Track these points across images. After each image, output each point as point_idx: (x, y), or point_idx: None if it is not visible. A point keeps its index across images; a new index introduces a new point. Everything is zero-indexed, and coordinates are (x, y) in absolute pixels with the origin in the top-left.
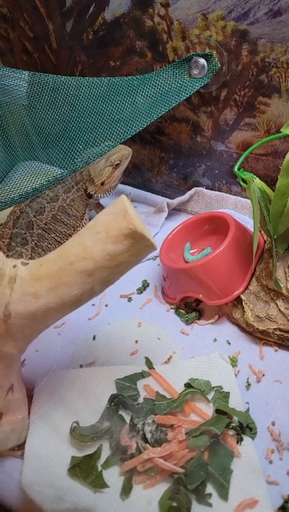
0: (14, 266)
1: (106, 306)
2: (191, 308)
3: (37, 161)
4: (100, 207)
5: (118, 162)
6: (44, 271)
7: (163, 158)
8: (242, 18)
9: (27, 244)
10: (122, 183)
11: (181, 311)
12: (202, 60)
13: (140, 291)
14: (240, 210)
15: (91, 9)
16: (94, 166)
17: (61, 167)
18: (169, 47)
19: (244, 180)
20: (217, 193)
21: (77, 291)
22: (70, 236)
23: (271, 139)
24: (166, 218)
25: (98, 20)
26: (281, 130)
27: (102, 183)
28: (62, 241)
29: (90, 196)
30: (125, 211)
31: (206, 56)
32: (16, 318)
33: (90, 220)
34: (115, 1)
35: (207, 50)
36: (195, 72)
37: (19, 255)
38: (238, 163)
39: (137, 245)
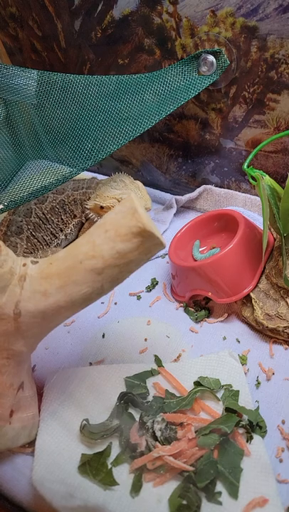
0: (24, 264)
1: (115, 304)
2: (200, 307)
3: (46, 160)
4: (91, 224)
5: None
6: (54, 269)
7: (172, 156)
8: (251, 14)
9: (22, 234)
10: None
11: (190, 309)
12: (211, 57)
13: (149, 289)
14: (249, 208)
15: (99, 7)
16: (110, 188)
17: (70, 165)
18: (177, 44)
19: (254, 178)
20: (226, 190)
21: (86, 289)
22: (62, 231)
23: (281, 136)
24: (175, 215)
25: (106, 18)
26: None
27: (102, 208)
28: (56, 234)
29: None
30: (134, 209)
31: (214, 53)
32: (26, 316)
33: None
34: None
35: (216, 47)
36: (204, 69)
37: (14, 246)
38: (248, 161)
39: (146, 243)
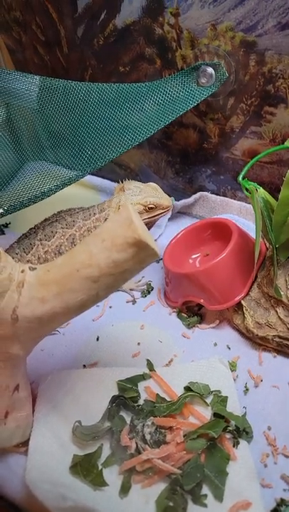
0: (22, 271)
1: (110, 307)
2: (192, 312)
3: (46, 162)
4: None
5: (152, 206)
6: (51, 276)
7: (169, 162)
8: (250, 30)
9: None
10: None
11: (183, 314)
12: (210, 69)
13: (144, 294)
14: (244, 216)
15: (102, 16)
16: (128, 195)
17: (70, 169)
18: (178, 55)
19: (248, 190)
20: (222, 198)
21: (82, 296)
22: None
23: (275, 150)
24: (171, 221)
25: (109, 27)
26: (285, 143)
27: None
28: None
29: None
30: (130, 220)
31: (214, 65)
32: (23, 321)
33: None
34: (126, 8)
35: (215, 60)
36: (203, 80)
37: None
38: (243, 173)
39: (141, 254)
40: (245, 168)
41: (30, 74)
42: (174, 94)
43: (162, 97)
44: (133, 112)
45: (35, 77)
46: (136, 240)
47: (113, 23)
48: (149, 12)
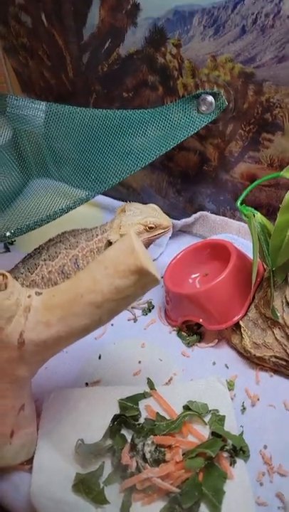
0: (29, 296)
1: (112, 325)
2: (192, 331)
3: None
4: None
5: (152, 226)
6: (56, 301)
7: (170, 183)
8: (249, 62)
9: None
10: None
11: (182, 333)
12: (210, 98)
13: (145, 312)
14: (243, 236)
15: (107, 44)
16: (129, 216)
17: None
18: (179, 83)
19: (246, 215)
20: (221, 217)
21: (85, 321)
22: None
23: (270, 178)
24: (172, 239)
25: (113, 55)
26: (281, 174)
27: None
28: None
29: (110, 245)
30: (132, 248)
31: (214, 94)
32: (30, 345)
33: None
34: (130, 38)
35: (215, 89)
36: (203, 108)
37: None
38: (241, 199)
39: (143, 280)
40: (243, 194)
41: (37, 100)
42: (175, 120)
43: (164, 123)
44: (136, 137)
45: (42, 103)
46: (138, 267)
47: (117, 51)
48: (151, 42)
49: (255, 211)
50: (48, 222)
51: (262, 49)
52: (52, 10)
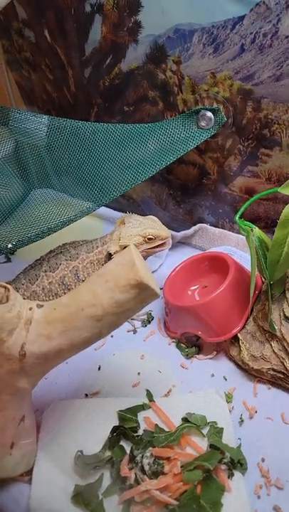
0: (30, 308)
1: (112, 336)
2: (191, 343)
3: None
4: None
5: (151, 237)
6: (57, 315)
7: (170, 195)
8: (247, 79)
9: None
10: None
11: (182, 345)
12: (209, 113)
13: (145, 324)
14: (241, 248)
15: (108, 60)
16: (128, 228)
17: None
18: (179, 98)
19: (244, 229)
20: (220, 230)
21: (86, 334)
22: None
23: (268, 193)
24: (171, 250)
25: (114, 70)
26: (278, 189)
27: (125, 248)
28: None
29: (110, 256)
30: (132, 262)
31: (213, 110)
32: (31, 357)
33: None
34: (131, 55)
35: (214, 105)
36: (203, 123)
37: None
38: (239, 213)
39: (143, 294)
40: (242, 209)
41: (39, 113)
42: (175, 135)
43: (164, 137)
44: (136, 151)
45: (44, 116)
46: (138, 281)
47: (118, 66)
48: (152, 59)
49: (253, 226)
50: (49, 234)
51: (260, 67)
52: (55, 26)
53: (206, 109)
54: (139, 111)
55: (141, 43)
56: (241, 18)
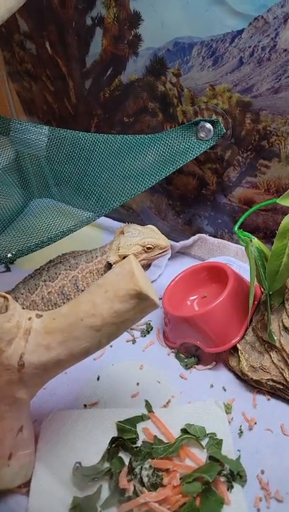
0: (29, 318)
1: (111, 346)
2: (190, 353)
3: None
4: None
5: (150, 247)
6: (56, 325)
7: (170, 205)
8: (246, 92)
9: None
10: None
11: (181, 355)
12: (209, 125)
13: (144, 334)
14: (240, 258)
15: (108, 72)
16: (128, 237)
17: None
18: (178, 110)
19: (243, 240)
20: (219, 240)
21: (85, 344)
22: None
23: (267, 204)
24: (170, 260)
25: (115, 82)
26: (277, 201)
27: (125, 257)
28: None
29: (109, 266)
30: (132, 273)
31: (212, 122)
32: (29, 367)
33: None
34: (131, 67)
35: (214, 116)
36: (202, 135)
37: None
38: (238, 224)
39: (142, 304)
40: (241, 220)
41: (40, 124)
42: (175, 146)
43: (164, 148)
44: (136, 162)
45: (45, 127)
46: (137, 292)
47: (119, 78)
48: (152, 71)
49: (252, 236)
50: (48, 244)
51: (259, 80)
52: (56, 38)
53: (206, 121)
54: (139, 122)
55: (141, 56)
56: (240, 31)
